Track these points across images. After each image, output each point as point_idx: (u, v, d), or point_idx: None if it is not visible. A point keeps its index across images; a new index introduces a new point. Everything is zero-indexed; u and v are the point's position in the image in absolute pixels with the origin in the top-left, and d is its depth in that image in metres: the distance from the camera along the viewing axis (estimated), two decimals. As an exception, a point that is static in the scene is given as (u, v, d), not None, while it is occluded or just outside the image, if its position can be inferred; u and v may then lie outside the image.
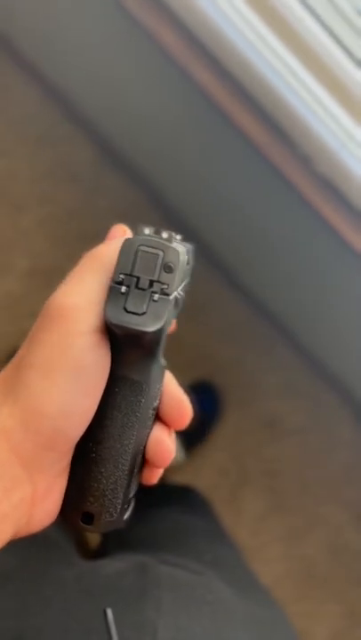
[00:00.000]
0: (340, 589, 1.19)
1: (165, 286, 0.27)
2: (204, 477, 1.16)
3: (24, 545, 0.48)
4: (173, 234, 0.29)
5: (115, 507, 0.31)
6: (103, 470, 0.30)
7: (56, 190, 1.18)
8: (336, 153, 0.63)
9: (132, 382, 0.30)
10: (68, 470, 0.30)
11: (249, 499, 1.19)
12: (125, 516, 0.32)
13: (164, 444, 0.32)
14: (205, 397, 1.16)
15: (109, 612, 0.34)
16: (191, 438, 1.13)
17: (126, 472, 0.30)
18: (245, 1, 0.57)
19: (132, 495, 0.32)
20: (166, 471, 1.17)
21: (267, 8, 0.57)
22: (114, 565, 0.44)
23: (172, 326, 0.33)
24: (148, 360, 0.30)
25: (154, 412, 0.31)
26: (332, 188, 0.66)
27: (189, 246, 0.33)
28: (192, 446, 1.13)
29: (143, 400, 0.30)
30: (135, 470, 0.31)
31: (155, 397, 0.31)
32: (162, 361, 0.31)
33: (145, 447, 0.32)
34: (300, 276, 0.97)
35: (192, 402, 0.34)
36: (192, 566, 0.47)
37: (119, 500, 0.31)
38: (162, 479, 1.12)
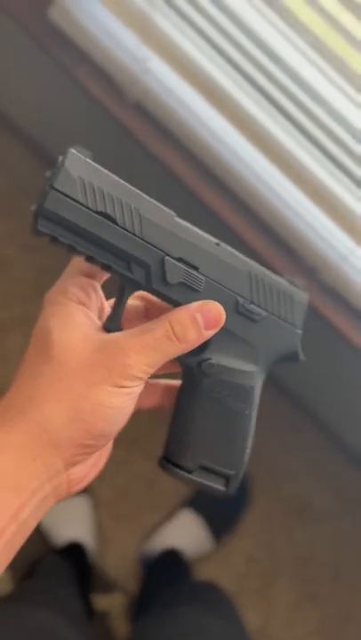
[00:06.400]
0: None
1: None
2: (234, 566, 1.14)
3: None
4: None
5: None
6: None
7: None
8: (338, 265, 0.68)
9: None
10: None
11: (280, 588, 1.16)
12: None
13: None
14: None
15: None
16: (219, 526, 1.13)
17: None
18: (261, 152, 0.66)
19: None
20: (195, 561, 1.14)
21: (278, 156, 0.65)
22: None
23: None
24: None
25: None
26: (335, 294, 0.70)
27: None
28: (220, 534, 1.13)
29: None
30: None
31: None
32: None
33: None
34: (313, 363, 1.01)
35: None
36: None
37: None
38: (188, 572, 1.10)
